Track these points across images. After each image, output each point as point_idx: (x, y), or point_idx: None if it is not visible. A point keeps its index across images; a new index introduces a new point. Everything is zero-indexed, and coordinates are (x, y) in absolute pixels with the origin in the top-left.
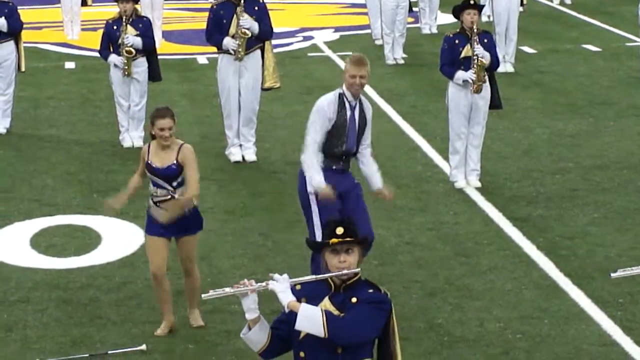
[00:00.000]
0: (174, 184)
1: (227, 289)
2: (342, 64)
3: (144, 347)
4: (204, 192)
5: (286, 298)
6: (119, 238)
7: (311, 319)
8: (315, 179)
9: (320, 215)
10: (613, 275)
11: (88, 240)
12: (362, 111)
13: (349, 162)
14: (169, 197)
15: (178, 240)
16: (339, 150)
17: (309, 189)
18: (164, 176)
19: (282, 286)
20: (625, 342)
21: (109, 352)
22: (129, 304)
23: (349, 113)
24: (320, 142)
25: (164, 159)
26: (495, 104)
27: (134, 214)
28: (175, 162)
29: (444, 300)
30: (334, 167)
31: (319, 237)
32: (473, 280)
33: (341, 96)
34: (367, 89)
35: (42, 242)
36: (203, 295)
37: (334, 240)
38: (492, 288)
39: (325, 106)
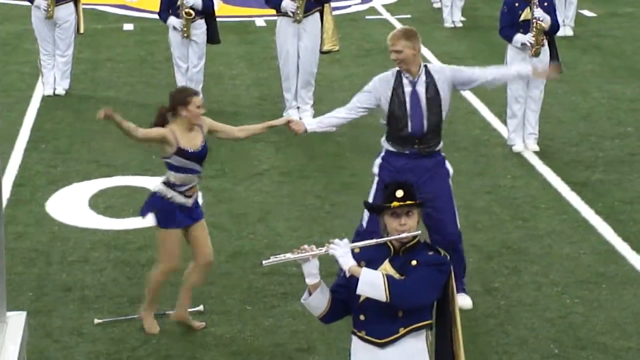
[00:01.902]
0: (203, 163)
1: (288, 255)
2: (400, 26)
3: (201, 307)
4: (261, 154)
5: (347, 263)
6: None
7: (373, 284)
8: (305, 122)
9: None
10: None
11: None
12: (430, 84)
13: (427, 144)
14: (197, 182)
15: (193, 227)
16: (404, 134)
17: (374, 169)
18: (201, 158)
19: (342, 251)
20: None
21: (167, 312)
22: (186, 264)
23: (408, 89)
24: (356, 107)
25: (194, 141)
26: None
27: None
28: (204, 140)
29: (500, 264)
30: (406, 152)
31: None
32: (530, 244)
33: (399, 73)
34: (425, 52)
35: (101, 203)
36: (263, 262)
37: (395, 203)
38: (550, 252)
39: (377, 80)
